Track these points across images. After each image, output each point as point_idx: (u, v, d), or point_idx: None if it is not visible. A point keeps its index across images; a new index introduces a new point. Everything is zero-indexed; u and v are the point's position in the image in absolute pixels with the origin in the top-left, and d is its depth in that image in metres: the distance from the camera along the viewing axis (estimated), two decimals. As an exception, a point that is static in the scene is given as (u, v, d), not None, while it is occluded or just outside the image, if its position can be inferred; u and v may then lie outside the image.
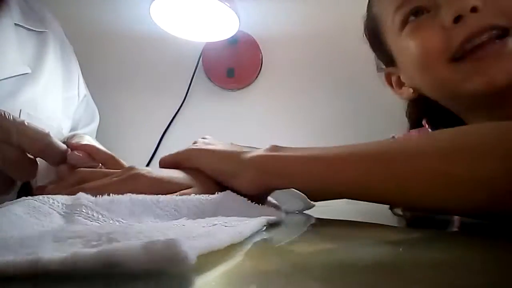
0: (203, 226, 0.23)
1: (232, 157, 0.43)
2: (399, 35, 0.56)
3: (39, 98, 0.66)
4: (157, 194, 0.43)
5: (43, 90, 0.67)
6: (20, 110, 0.61)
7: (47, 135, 0.42)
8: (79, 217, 0.27)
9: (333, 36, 1.04)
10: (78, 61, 0.81)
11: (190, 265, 0.15)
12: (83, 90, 0.80)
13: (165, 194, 0.44)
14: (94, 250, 0.14)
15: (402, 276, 0.19)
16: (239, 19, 0.91)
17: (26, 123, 0.41)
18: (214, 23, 0.96)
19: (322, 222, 0.40)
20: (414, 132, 0.69)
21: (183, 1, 0.91)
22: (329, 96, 1.03)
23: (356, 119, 1.00)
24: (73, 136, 0.59)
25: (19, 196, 0.61)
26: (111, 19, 1.09)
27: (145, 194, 0.42)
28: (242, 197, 0.38)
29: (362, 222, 0.45)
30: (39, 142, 0.42)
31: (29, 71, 0.65)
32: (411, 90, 0.62)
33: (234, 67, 1.07)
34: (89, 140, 0.59)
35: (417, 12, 0.53)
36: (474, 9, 0.46)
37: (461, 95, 0.52)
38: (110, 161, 0.50)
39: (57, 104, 0.71)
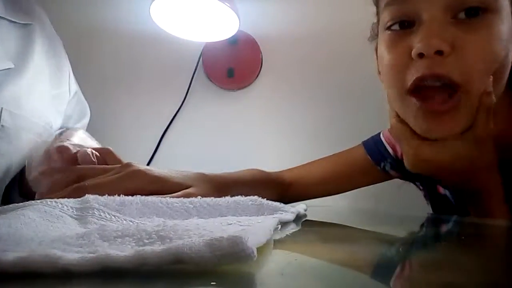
0: (222, 224, 0.23)
1: None
2: (382, 31, 0.54)
3: (23, 94, 0.62)
4: (158, 192, 0.43)
5: (28, 86, 0.63)
6: (2, 108, 0.58)
7: None
8: (92, 219, 0.27)
9: (333, 36, 1.04)
10: (78, 61, 0.79)
11: (253, 261, 0.15)
12: (74, 86, 0.77)
13: (166, 192, 0.45)
14: (161, 247, 0.15)
15: (402, 276, 0.19)
16: (239, 19, 0.91)
17: None
18: (214, 23, 0.96)
19: (322, 223, 0.41)
20: None
21: (183, 1, 0.91)
22: (329, 96, 1.03)
23: (357, 119, 1.00)
24: (65, 131, 0.58)
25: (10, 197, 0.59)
26: (111, 19, 1.09)
27: (147, 191, 0.42)
28: (249, 198, 0.38)
29: (362, 222, 0.45)
30: None
31: (12, 66, 0.61)
32: None
33: (234, 67, 1.07)
34: (80, 135, 0.58)
35: (401, 22, 0.51)
36: (439, 52, 0.45)
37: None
38: (108, 156, 0.50)
39: (44, 101, 0.67)
